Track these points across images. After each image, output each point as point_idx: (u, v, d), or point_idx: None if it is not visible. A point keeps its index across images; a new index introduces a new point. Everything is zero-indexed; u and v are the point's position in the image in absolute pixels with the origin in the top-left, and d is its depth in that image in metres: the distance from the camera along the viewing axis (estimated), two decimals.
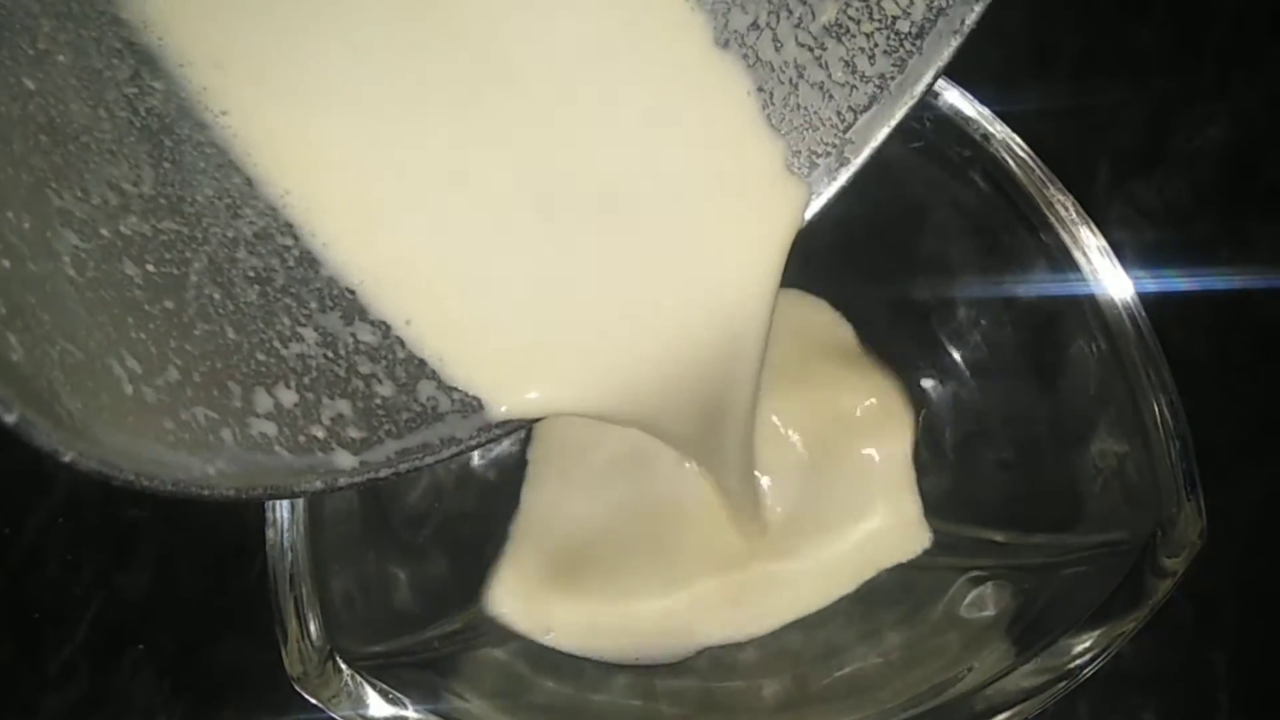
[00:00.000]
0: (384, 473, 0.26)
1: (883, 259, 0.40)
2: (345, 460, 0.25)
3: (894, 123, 0.27)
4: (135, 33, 0.24)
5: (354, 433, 0.26)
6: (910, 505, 0.38)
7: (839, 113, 0.27)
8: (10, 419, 0.20)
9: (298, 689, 0.29)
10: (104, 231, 0.23)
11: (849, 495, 0.38)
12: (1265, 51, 0.49)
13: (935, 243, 0.39)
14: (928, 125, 0.36)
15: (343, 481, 0.25)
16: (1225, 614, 0.40)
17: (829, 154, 0.27)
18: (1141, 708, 0.39)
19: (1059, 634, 0.30)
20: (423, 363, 0.26)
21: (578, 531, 0.39)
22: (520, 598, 0.37)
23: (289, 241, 0.26)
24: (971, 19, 0.26)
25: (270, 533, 0.30)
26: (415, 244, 0.26)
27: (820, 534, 0.38)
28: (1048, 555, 0.34)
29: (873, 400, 0.39)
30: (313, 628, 0.30)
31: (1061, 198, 0.33)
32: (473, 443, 0.27)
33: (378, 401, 0.26)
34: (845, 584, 0.37)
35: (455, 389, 0.26)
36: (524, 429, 0.27)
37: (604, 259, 0.27)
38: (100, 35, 0.24)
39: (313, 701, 0.30)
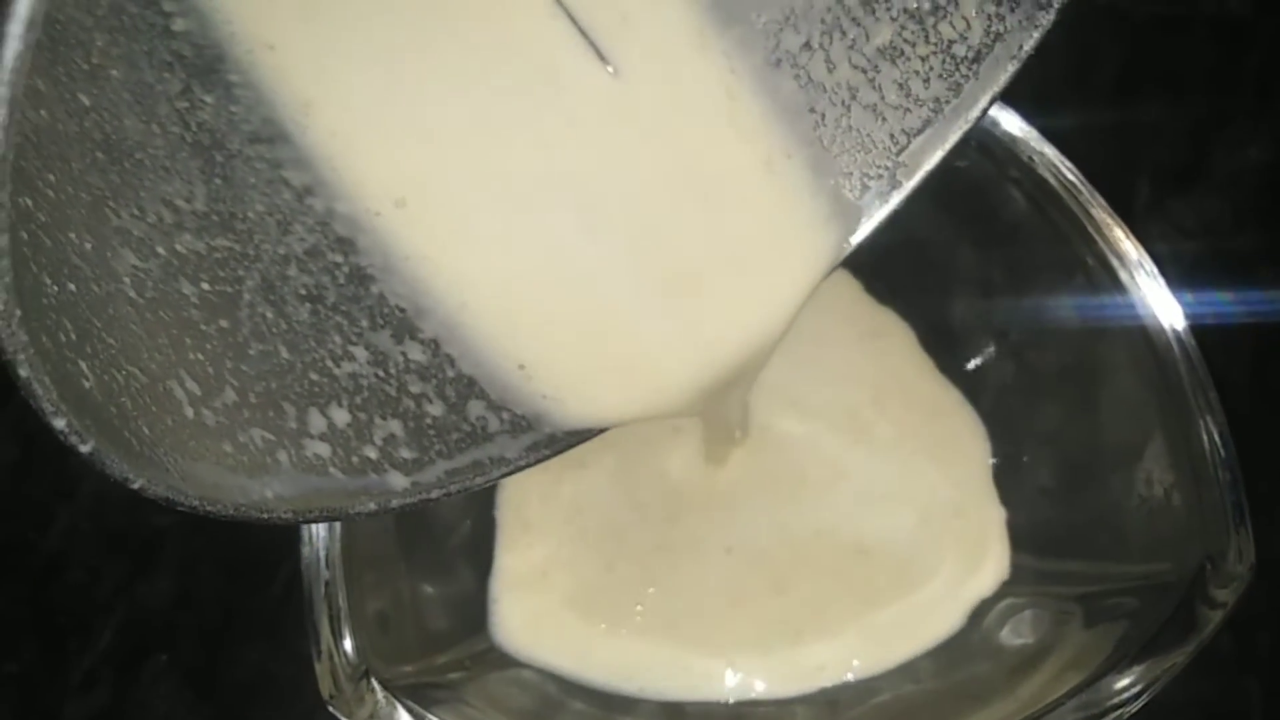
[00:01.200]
0: (435, 493, 0.26)
1: (925, 278, 0.40)
2: (398, 481, 0.26)
3: (948, 147, 0.27)
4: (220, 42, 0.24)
5: (406, 453, 0.26)
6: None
7: (892, 135, 0.27)
8: (86, 449, 0.20)
9: (330, 709, 0.29)
10: (160, 250, 0.23)
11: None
12: None
13: (978, 262, 0.39)
14: (972, 144, 0.35)
15: (395, 503, 0.25)
16: (1261, 643, 0.40)
17: (881, 176, 0.27)
18: None
19: (1103, 670, 0.29)
20: (472, 381, 0.26)
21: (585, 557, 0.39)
22: (528, 631, 0.37)
23: (339, 258, 0.25)
24: (1030, 45, 0.26)
25: (305, 550, 0.30)
26: (505, 260, 0.26)
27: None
28: (1089, 584, 0.34)
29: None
30: (347, 646, 0.29)
31: (1108, 219, 0.33)
32: (522, 462, 0.27)
33: (428, 421, 0.26)
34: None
35: (505, 408, 0.26)
36: (574, 445, 0.27)
37: (663, 285, 0.27)
38: (151, 48, 0.23)
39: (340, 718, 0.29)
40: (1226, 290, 0.45)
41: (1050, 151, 0.34)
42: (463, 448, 0.26)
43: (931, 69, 0.26)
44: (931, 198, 0.37)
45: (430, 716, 0.29)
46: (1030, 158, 0.34)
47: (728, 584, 0.38)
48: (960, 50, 0.26)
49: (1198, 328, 0.42)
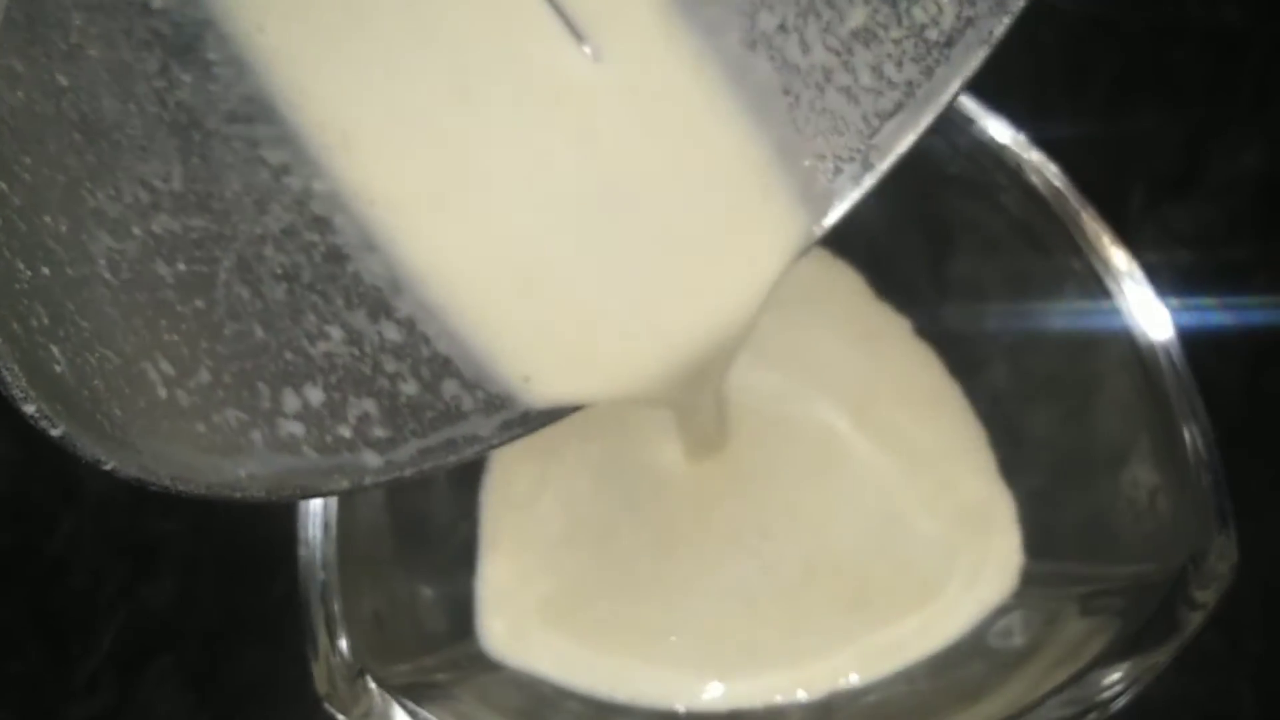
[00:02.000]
0: (408, 471, 0.26)
1: (917, 283, 0.40)
2: (371, 460, 0.26)
3: (920, 130, 0.27)
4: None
5: (379, 432, 0.26)
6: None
7: (865, 118, 0.27)
8: (56, 433, 0.21)
9: (326, 706, 0.29)
10: (136, 230, 0.24)
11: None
12: None
13: (969, 268, 0.39)
14: (962, 150, 0.36)
15: (369, 480, 0.26)
16: (1252, 645, 0.40)
17: (854, 159, 0.27)
18: None
19: (1089, 665, 0.30)
20: (447, 360, 0.27)
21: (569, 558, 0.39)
22: (512, 639, 0.37)
23: (315, 237, 0.26)
24: (1000, 30, 0.26)
25: (302, 550, 0.31)
26: (482, 239, 0.27)
27: None
28: (1079, 585, 0.34)
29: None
30: (343, 645, 0.30)
31: (1097, 226, 0.34)
32: (495, 440, 0.27)
33: (402, 400, 0.26)
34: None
35: (479, 387, 0.27)
36: (546, 424, 0.27)
37: (635, 265, 0.27)
38: (129, 27, 0.24)
39: (340, 718, 0.30)
40: (1221, 297, 0.45)
41: (1038, 158, 0.35)
42: (436, 426, 0.26)
43: (904, 52, 0.26)
44: (923, 202, 0.38)
45: (425, 714, 0.30)
46: (1019, 164, 0.35)
47: (721, 596, 0.38)
48: (932, 34, 0.26)
49: (1192, 334, 0.43)
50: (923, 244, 0.39)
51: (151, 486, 0.23)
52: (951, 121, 0.35)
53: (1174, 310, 0.42)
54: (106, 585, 0.42)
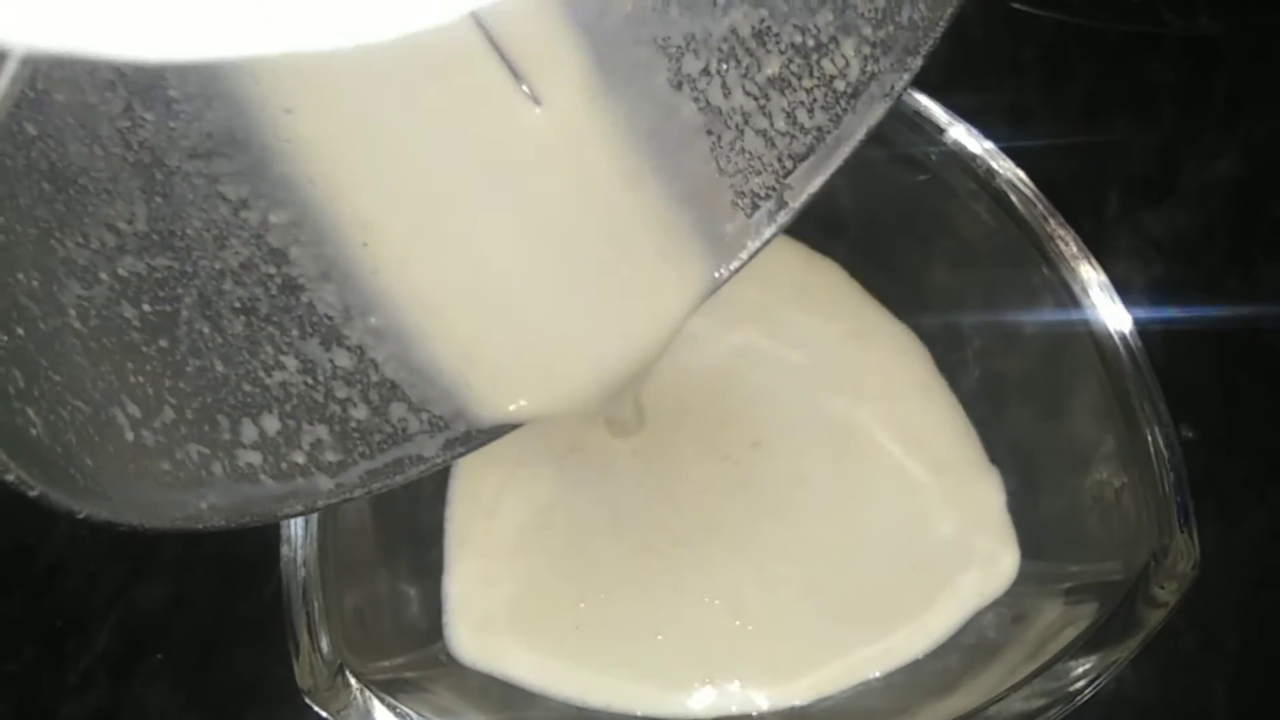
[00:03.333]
0: (357, 492, 0.27)
1: (889, 289, 0.41)
2: (324, 483, 0.27)
3: (830, 172, 0.29)
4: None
5: (331, 456, 0.27)
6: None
7: (780, 159, 0.29)
8: (34, 494, 0.22)
9: (308, 701, 0.30)
10: (104, 275, 0.25)
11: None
12: (1275, 86, 0.50)
13: (941, 274, 0.40)
14: (933, 159, 0.36)
15: (320, 503, 0.27)
16: (1227, 644, 0.40)
17: (769, 197, 0.29)
18: None
19: (1054, 659, 0.30)
20: (395, 385, 0.28)
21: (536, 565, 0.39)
22: (479, 642, 0.37)
23: (272, 270, 0.27)
24: (900, 85, 0.27)
25: (285, 549, 0.31)
26: (429, 268, 0.28)
27: None
28: (1047, 583, 0.35)
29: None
30: (324, 642, 0.30)
31: (1063, 232, 0.34)
32: (439, 459, 0.28)
33: (353, 424, 0.28)
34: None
35: (425, 409, 0.28)
36: (487, 442, 0.29)
37: (566, 298, 0.29)
38: (93, 67, 0.24)
39: (323, 714, 0.30)
40: (1196, 300, 0.46)
41: (1007, 165, 0.35)
42: (384, 448, 0.28)
43: (815, 100, 0.28)
44: (895, 210, 0.39)
45: (405, 709, 0.30)
46: (989, 171, 0.35)
47: (705, 602, 0.37)
48: (840, 86, 0.28)
49: (1168, 337, 0.44)
50: (895, 249, 0.40)
51: (120, 528, 0.23)
52: (923, 129, 0.36)
53: (1148, 313, 0.43)
54: (101, 587, 0.42)
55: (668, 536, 0.39)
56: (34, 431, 0.22)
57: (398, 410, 0.28)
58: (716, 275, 0.29)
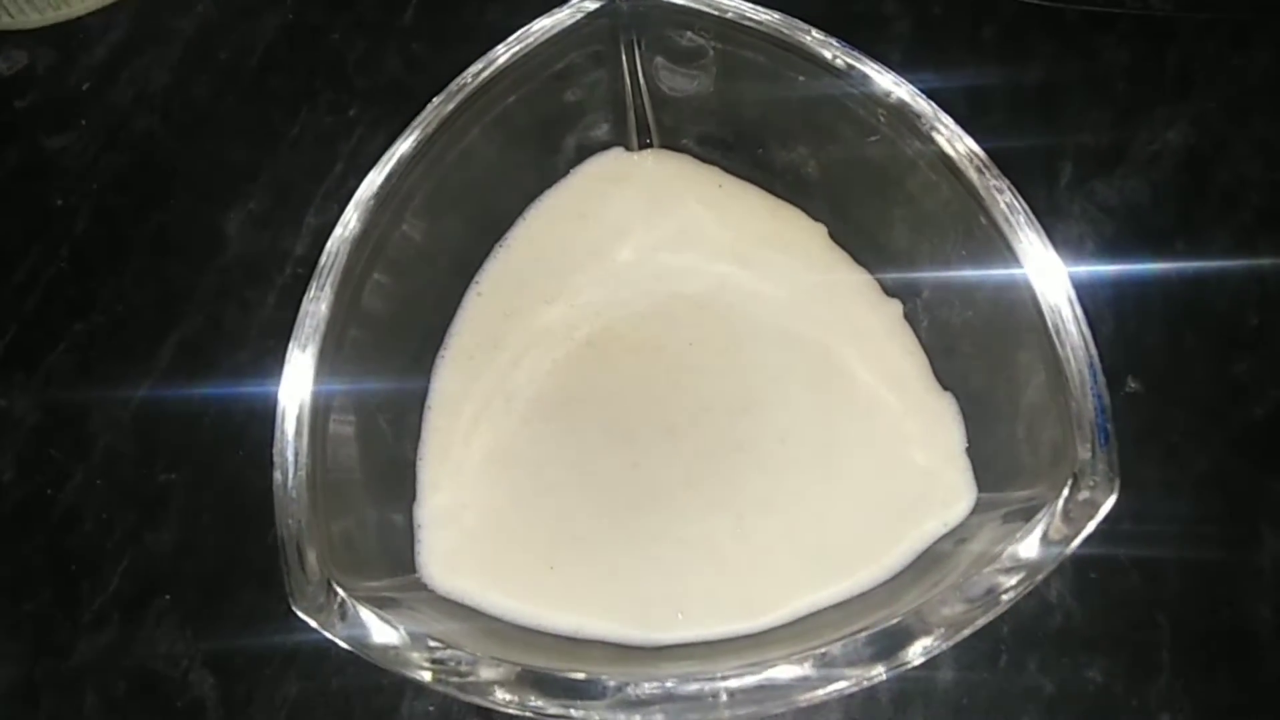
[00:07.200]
0: None
1: (850, 245, 0.44)
2: None
3: None
4: None
5: None
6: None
7: None
8: None
9: (296, 611, 0.32)
10: None
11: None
12: (1224, 62, 0.52)
13: (896, 232, 0.42)
14: (882, 120, 0.39)
15: None
16: (1170, 581, 0.42)
17: None
18: (1088, 665, 0.41)
19: (984, 568, 0.32)
20: None
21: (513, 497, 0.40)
22: (455, 575, 0.39)
23: None
24: None
25: (277, 475, 0.33)
26: None
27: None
28: (990, 509, 0.37)
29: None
30: (311, 557, 0.32)
31: (997, 183, 0.36)
32: None
33: None
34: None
35: None
36: None
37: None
38: None
39: (313, 624, 0.32)
40: (1144, 262, 0.48)
41: (949, 122, 0.37)
42: None
43: None
44: (850, 171, 0.41)
45: (391, 618, 0.32)
46: (932, 129, 0.37)
47: (679, 538, 0.39)
48: None
49: (1117, 295, 0.46)
50: (851, 206, 0.42)
51: None
52: (877, 99, 0.38)
53: (1101, 274, 0.45)
54: (114, 532, 0.44)
55: (645, 485, 0.40)
56: None
57: None
58: None
